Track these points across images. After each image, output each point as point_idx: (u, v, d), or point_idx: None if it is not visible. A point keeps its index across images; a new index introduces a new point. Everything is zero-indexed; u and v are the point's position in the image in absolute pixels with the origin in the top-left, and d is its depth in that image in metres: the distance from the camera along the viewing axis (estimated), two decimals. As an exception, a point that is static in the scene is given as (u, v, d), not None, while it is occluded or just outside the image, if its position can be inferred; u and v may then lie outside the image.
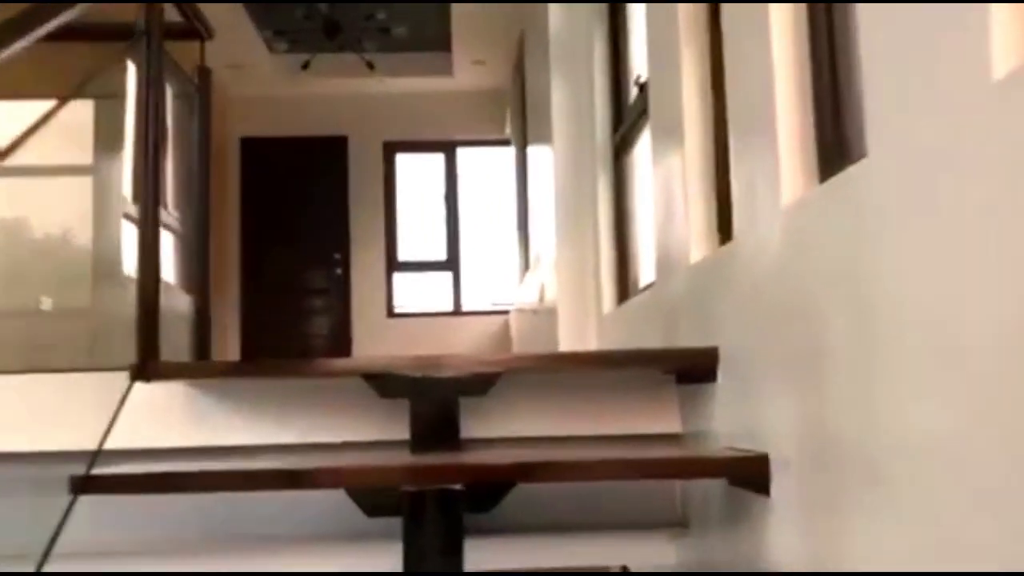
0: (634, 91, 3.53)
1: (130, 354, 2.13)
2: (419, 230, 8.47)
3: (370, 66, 6.92)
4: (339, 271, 8.19)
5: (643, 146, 3.54)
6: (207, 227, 2.74)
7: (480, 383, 2.08)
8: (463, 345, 8.13)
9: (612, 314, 3.53)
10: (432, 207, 8.47)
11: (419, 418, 2.08)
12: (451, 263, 8.34)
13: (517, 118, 6.95)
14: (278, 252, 8.18)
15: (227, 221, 8.09)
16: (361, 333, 8.14)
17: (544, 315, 4.48)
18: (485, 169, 8.61)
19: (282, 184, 8.28)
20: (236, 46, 7.15)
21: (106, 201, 5.36)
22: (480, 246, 8.48)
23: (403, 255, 8.36)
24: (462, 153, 8.51)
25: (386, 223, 8.29)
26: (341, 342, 8.12)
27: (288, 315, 8.13)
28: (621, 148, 3.65)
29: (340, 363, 1.91)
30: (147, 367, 2.01)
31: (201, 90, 2.44)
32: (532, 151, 5.39)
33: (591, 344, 3.76)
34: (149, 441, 2.26)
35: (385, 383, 2.05)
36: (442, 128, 8.40)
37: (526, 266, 6.49)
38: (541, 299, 4.68)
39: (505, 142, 8.26)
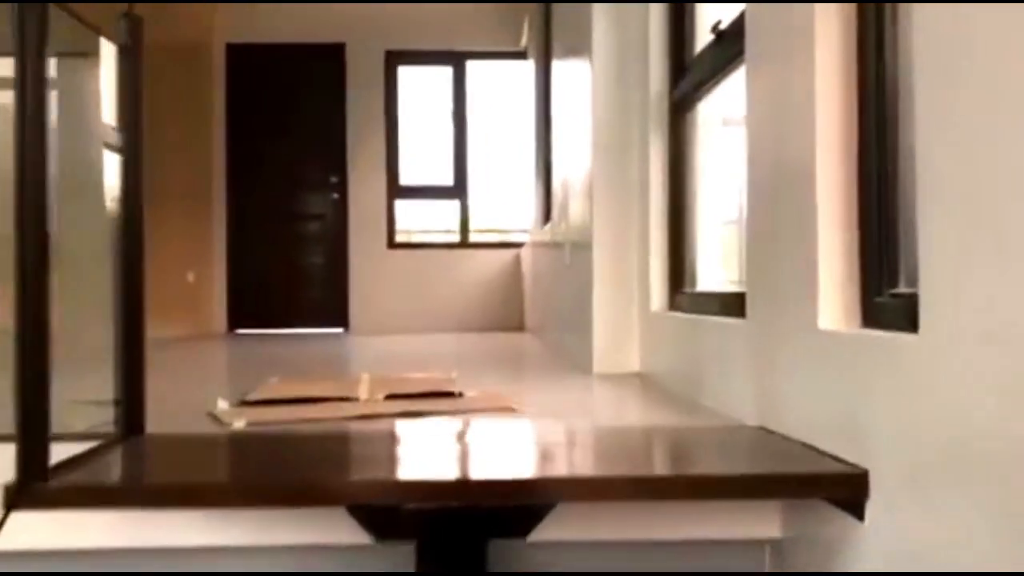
0: (699, 43, 2.78)
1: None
2: (424, 152, 7.69)
3: None
4: (336, 196, 7.46)
5: (715, 108, 2.82)
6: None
7: (522, 518, 1.45)
8: (470, 282, 7.48)
9: (663, 317, 2.86)
10: (438, 126, 7.68)
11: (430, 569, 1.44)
12: (458, 189, 7.60)
13: (538, 28, 6.11)
14: (269, 175, 7.44)
15: (212, 140, 7.31)
16: (359, 265, 7.46)
17: (574, 291, 3.80)
18: (498, 84, 7.78)
19: (273, 97, 7.46)
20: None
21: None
22: (491, 171, 7.73)
23: (406, 179, 7.61)
24: (472, 66, 7.66)
25: (387, 143, 7.52)
26: (337, 275, 7.46)
27: (280, 244, 7.44)
28: (681, 107, 2.91)
29: (317, 490, 1.25)
30: (31, 491, 1.37)
31: (128, 49, 1.71)
32: (559, 67, 4.58)
33: (633, 350, 3.11)
34: (56, 541, 1.67)
35: (383, 521, 1.40)
36: (450, 37, 7.53)
37: (546, 196, 5.78)
38: (569, 263, 4.00)
39: (521, 55, 7.41)
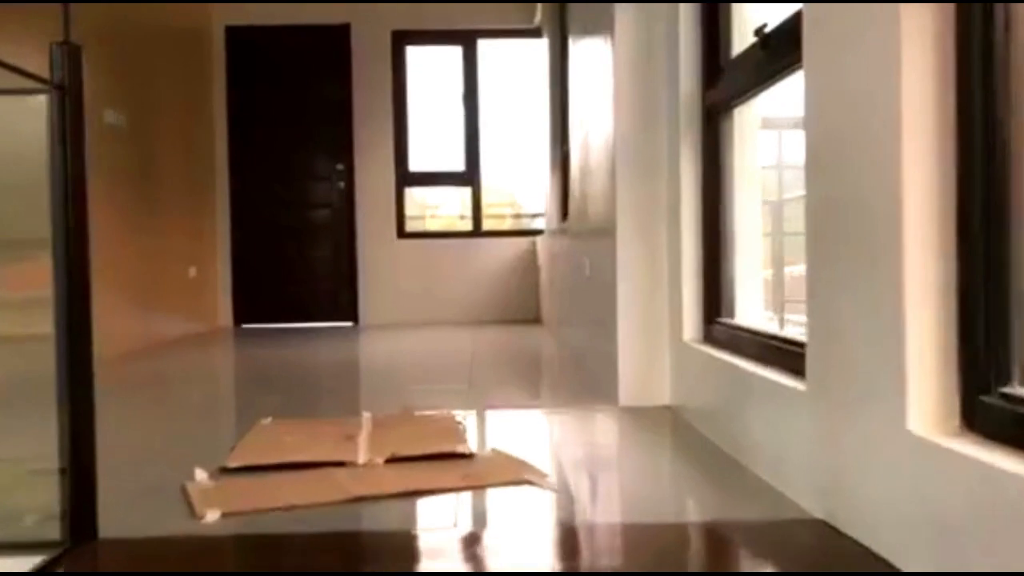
0: (736, 47, 2.46)
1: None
2: (434, 136, 7.36)
3: None
4: (342, 184, 7.15)
5: (755, 111, 2.51)
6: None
7: None
8: (484, 271, 7.18)
9: (697, 351, 2.55)
10: (449, 109, 7.34)
11: None
12: (470, 175, 7.28)
13: (554, 9, 5.75)
14: (272, 163, 7.13)
15: (213, 129, 7.00)
16: (368, 256, 7.17)
17: (596, 309, 3.49)
18: (510, 63, 7.42)
19: (275, 82, 7.13)
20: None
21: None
22: (505, 156, 7.39)
23: (415, 166, 7.29)
24: (483, 45, 7.29)
25: (395, 128, 7.18)
26: (345, 266, 7.17)
27: (285, 235, 7.15)
28: (716, 111, 2.59)
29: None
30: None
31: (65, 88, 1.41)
32: (578, 49, 4.23)
33: (662, 380, 2.81)
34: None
35: None
36: (459, 15, 7.16)
37: (563, 187, 5.47)
38: (590, 275, 3.69)
39: (535, 32, 7.05)
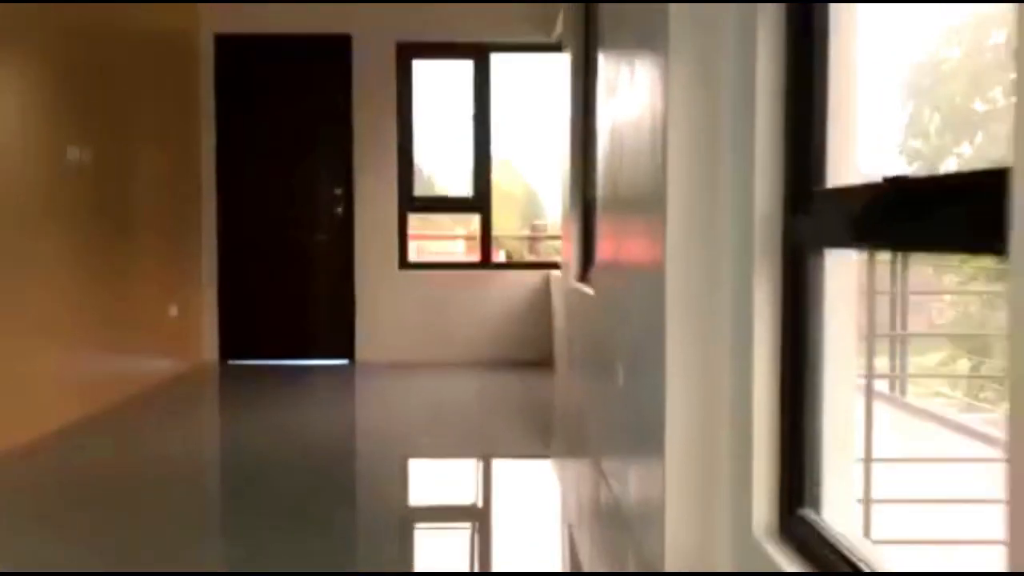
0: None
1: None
2: (441, 158, 6.77)
3: None
4: (340, 210, 6.56)
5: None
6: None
7: None
8: (492, 307, 6.61)
9: (770, 559, 1.98)
10: (457, 128, 6.74)
11: None
12: (480, 201, 6.68)
13: (577, 14, 5.14)
14: (265, 187, 6.55)
15: (200, 150, 6.39)
16: (366, 288, 6.60)
17: (632, 436, 2.92)
18: (526, 80, 6.81)
19: (269, 97, 6.54)
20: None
21: None
22: (518, 181, 6.80)
23: (420, 190, 6.70)
24: (496, 60, 6.68)
25: (399, 150, 6.58)
26: (342, 298, 6.60)
27: (277, 264, 6.58)
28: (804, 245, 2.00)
29: None
30: None
31: None
32: (609, 60, 3.57)
33: (721, 564, 2.24)
34: None
35: None
36: (471, 26, 6.55)
37: (584, 234, 4.92)
38: (623, 385, 3.12)
39: (553, 47, 6.44)
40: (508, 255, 7.42)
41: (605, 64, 3.68)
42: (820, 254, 1.96)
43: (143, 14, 5.43)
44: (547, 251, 7.46)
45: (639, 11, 2.79)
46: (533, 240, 7.91)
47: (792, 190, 2.04)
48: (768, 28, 2.05)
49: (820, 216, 1.93)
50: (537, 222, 8.04)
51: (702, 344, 2.31)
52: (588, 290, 4.23)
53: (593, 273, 4.23)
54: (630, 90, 2.94)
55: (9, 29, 3.95)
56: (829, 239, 1.92)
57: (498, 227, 6.90)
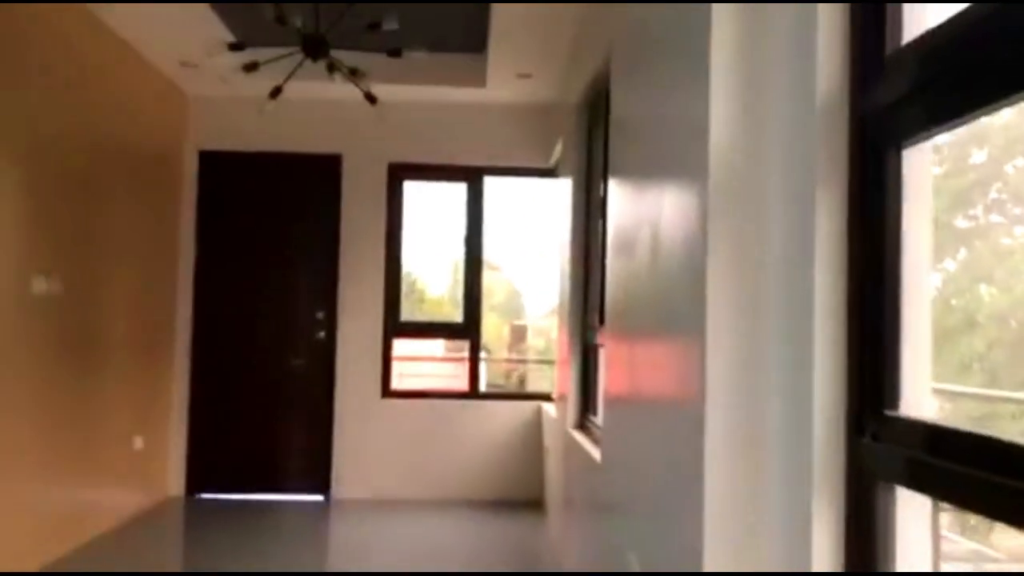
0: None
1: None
2: (430, 282, 6.50)
3: (393, 52, 4.71)
4: (322, 334, 6.23)
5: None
6: None
7: None
8: (480, 440, 6.23)
9: None
10: (448, 252, 6.49)
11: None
12: (469, 328, 6.38)
13: (578, 144, 4.94)
14: (243, 308, 6.23)
15: (176, 272, 6.08)
16: (346, 418, 6.22)
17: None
18: (520, 205, 6.61)
19: (253, 216, 6.28)
20: (193, 41, 5.13)
21: None
22: (509, 308, 6.53)
23: (407, 314, 6.40)
24: (491, 183, 6.49)
25: (387, 272, 6.31)
26: (319, 428, 6.20)
27: (252, 390, 6.20)
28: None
29: None
30: None
31: None
32: (622, 189, 3.27)
33: None
34: None
35: None
36: (464, 150, 6.38)
37: (582, 347, 4.61)
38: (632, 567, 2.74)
39: (547, 172, 6.27)
40: (486, 349, 7.06)
41: (620, 189, 3.39)
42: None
43: (125, 127, 5.20)
44: (528, 350, 7.15)
45: (667, 141, 2.53)
46: (514, 340, 7.62)
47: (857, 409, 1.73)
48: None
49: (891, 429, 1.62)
50: (517, 322, 7.74)
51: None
52: (591, 449, 3.86)
53: (599, 428, 3.89)
54: (656, 214, 2.66)
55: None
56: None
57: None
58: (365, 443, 6.20)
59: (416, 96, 6.12)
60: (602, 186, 4.24)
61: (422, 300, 6.94)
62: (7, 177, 3.92)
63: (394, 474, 6.17)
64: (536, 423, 6.23)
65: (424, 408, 6.30)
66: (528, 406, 6.29)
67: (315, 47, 4.12)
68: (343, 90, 4.96)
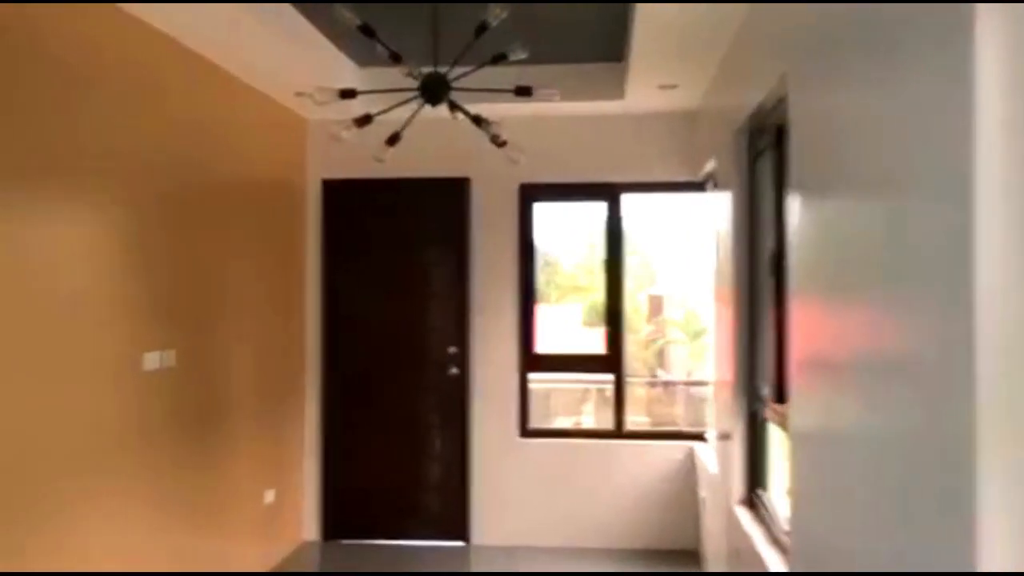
0: None
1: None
2: (567, 313, 6.00)
3: (522, 91, 4.12)
4: (455, 370, 5.85)
5: None
6: None
7: None
8: (628, 483, 5.73)
9: None
10: (587, 278, 5.97)
11: None
12: (612, 361, 5.86)
13: (738, 156, 4.31)
14: (373, 347, 5.91)
15: (303, 307, 5.82)
16: (483, 460, 5.83)
17: None
18: (664, 224, 6.01)
19: (378, 249, 5.93)
20: (309, 69, 4.78)
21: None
22: (657, 341, 5.96)
23: (543, 347, 5.93)
24: (629, 200, 5.91)
25: (521, 303, 5.86)
26: (455, 471, 5.85)
27: (384, 433, 5.89)
28: None
29: None
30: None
31: None
32: (815, 200, 2.65)
33: None
34: None
35: None
36: (601, 166, 5.82)
37: (748, 394, 4.03)
38: None
39: (692, 186, 5.64)
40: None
41: (813, 200, 2.76)
42: None
43: (242, 161, 4.90)
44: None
45: (895, 151, 1.94)
46: (652, 313, 7.02)
47: None
48: None
49: None
50: (653, 292, 7.12)
51: None
52: (761, 545, 3.27)
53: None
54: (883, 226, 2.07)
55: (94, 206, 3.41)
56: None
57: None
58: (504, 486, 5.81)
59: (547, 110, 5.61)
60: (770, 197, 3.73)
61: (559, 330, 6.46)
62: (120, 239, 3.65)
63: (535, 520, 5.76)
64: (690, 466, 5.67)
65: (565, 448, 5.84)
66: (682, 446, 5.73)
67: (434, 90, 3.64)
68: (471, 106, 4.48)
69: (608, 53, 5.15)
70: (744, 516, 3.87)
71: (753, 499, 3.99)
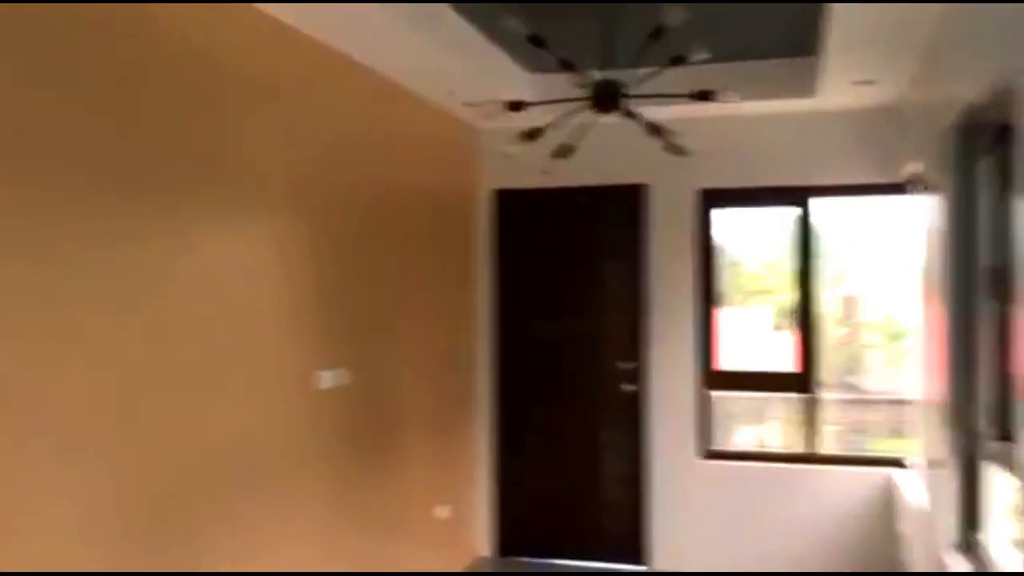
0: None
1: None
2: (751, 326, 5.64)
3: (703, 96, 3.83)
4: (631, 387, 5.61)
5: None
6: None
7: None
8: (819, 510, 5.30)
9: None
10: (774, 290, 5.59)
11: None
12: (802, 379, 5.43)
13: (948, 156, 3.84)
14: (546, 362, 5.77)
15: (475, 323, 5.77)
16: (661, 481, 5.57)
17: None
18: (858, 226, 5.53)
19: (550, 261, 5.79)
20: (486, 75, 4.70)
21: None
22: (854, 356, 5.49)
23: (725, 363, 5.59)
24: (820, 205, 5.47)
25: (701, 316, 5.54)
26: (632, 494, 5.61)
27: (557, 451, 5.74)
28: None
29: None
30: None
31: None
32: None
33: None
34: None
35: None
36: (787, 169, 5.42)
37: (962, 422, 3.58)
38: None
39: (890, 188, 5.13)
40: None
41: None
42: None
43: (413, 174, 4.88)
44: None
45: None
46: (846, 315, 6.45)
47: None
48: None
49: None
50: (847, 293, 6.56)
51: None
52: None
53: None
54: None
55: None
56: None
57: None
58: (684, 509, 5.52)
59: (728, 110, 5.26)
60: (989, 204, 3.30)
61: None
62: (292, 245, 3.67)
63: (719, 545, 5.43)
64: (889, 495, 5.18)
65: (750, 473, 5.47)
66: (879, 473, 5.24)
67: (608, 98, 3.44)
68: (648, 110, 4.25)
69: (796, 47, 4.77)
70: (958, 563, 3.43)
71: (968, 543, 3.53)
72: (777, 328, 6.03)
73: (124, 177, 2.73)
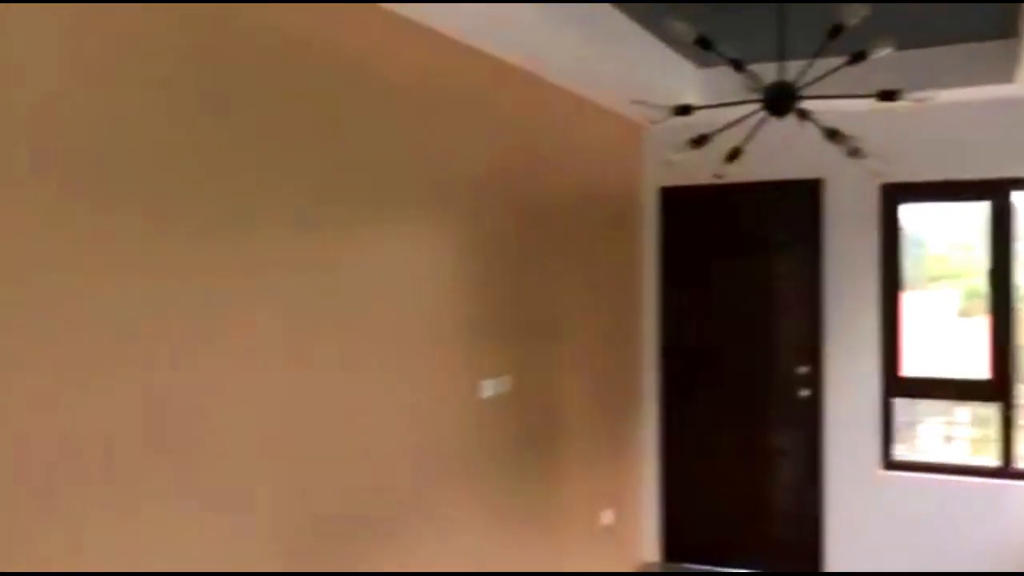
0: None
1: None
2: (939, 329, 5.24)
3: (887, 96, 3.55)
4: (807, 392, 5.35)
5: None
6: None
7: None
8: (1016, 533, 4.88)
9: None
10: (964, 291, 5.16)
11: None
12: (999, 388, 5.00)
13: None
14: (714, 366, 5.59)
15: (640, 326, 5.67)
16: (838, 492, 5.28)
17: None
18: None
19: (719, 261, 5.59)
20: (654, 71, 4.57)
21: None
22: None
23: (910, 369, 5.22)
24: (1021, 199, 5.00)
25: (883, 315, 5.20)
26: (806, 505, 5.35)
27: (726, 456, 5.56)
28: None
29: None
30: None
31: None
32: None
33: None
34: None
35: None
36: (982, 160, 4.98)
37: None
38: None
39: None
40: None
41: None
42: None
43: (578, 174, 4.82)
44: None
45: None
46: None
47: None
48: None
49: None
50: None
51: None
52: None
53: None
54: None
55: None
56: None
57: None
58: (863, 522, 5.22)
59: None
60: None
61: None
62: (457, 252, 3.70)
63: (899, 563, 5.11)
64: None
65: (938, 487, 5.10)
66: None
67: (782, 101, 3.25)
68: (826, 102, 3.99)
69: (993, 30, 4.36)
70: None
71: None
72: (963, 314, 5.59)
73: (321, 198, 2.83)
